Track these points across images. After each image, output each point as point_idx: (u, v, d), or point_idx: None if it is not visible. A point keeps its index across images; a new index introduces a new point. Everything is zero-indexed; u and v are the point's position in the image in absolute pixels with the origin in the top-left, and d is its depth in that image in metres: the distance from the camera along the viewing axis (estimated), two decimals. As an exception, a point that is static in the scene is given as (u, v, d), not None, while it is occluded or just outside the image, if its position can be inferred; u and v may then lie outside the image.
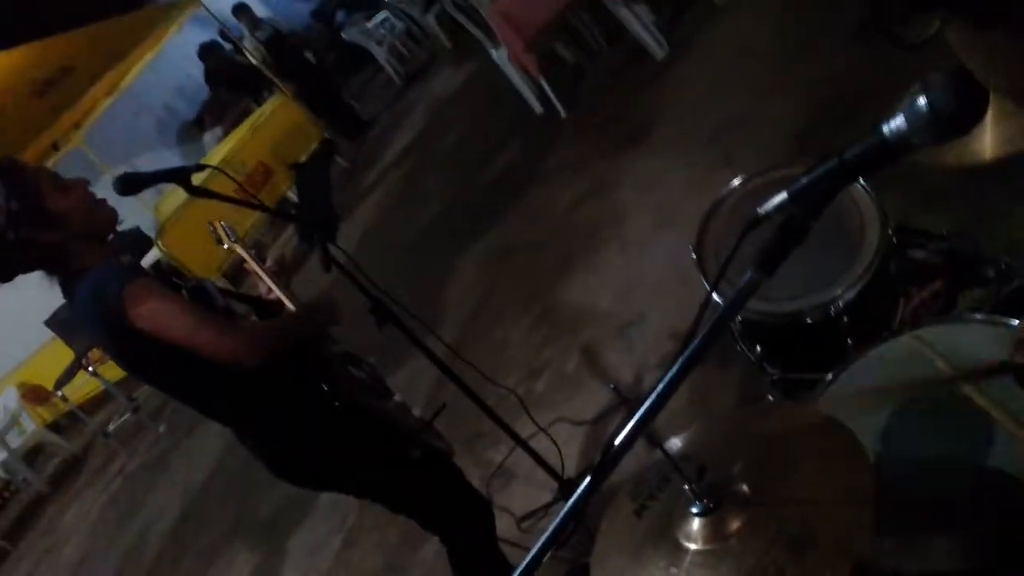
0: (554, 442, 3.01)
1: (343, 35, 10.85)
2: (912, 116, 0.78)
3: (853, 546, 1.07)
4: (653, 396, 0.94)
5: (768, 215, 0.92)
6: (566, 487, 2.85)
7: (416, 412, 2.42)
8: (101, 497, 6.72)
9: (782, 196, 0.90)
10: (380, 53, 10.45)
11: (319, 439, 2.17)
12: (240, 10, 9.19)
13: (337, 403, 2.14)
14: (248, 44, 9.01)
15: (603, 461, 0.94)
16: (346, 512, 3.83)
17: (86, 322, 1.98)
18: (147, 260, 8.52)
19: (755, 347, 1.66)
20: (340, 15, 12.21)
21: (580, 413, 3.22)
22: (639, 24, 5.11)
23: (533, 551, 0.98)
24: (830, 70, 3.61)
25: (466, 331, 4.24)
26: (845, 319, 1.51)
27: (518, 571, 0.98)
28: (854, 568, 1.05)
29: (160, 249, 8.18)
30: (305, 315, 2.30)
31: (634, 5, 5.08)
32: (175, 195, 9.28)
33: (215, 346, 1.87)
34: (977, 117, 0.76)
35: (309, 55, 9.47)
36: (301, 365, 2.14)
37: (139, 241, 9.24)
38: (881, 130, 0.81)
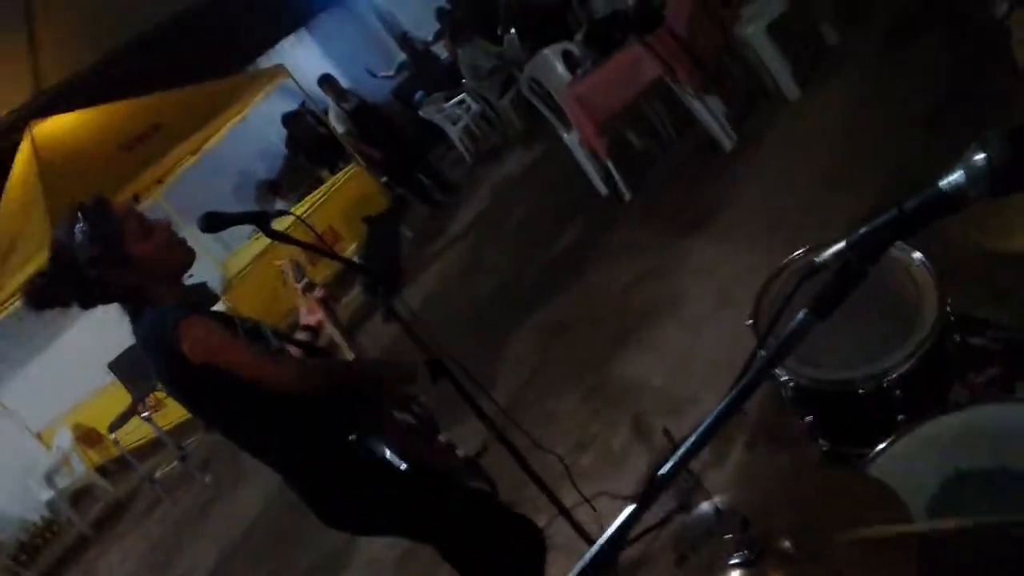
0: (594, 510, 2.99)
1: (420, 113, 11.23)
2: (970, 170, 0.81)
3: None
4: (701, 429, 0.96)
5: (825, 263, 0.95)
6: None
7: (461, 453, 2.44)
8: (141, 543, 6.78)
9: (840, 245, 0.94)
10: (454, 132, 10.78)
11: (357, 485, 2.22)
12: (325, 81, 9.44)
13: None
14: (332, 115, 9.25)
15: (649, 486, 0.96)
16: (381, 573, 3.82)
17: (148, 355, 2.09)
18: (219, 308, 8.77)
19: (806, 416, 1.66)
20: (418, 94, 12.65)
21: (624, 489, 3.19)
22: (709, 116, 5.22)
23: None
24: (897, 162, 3.63)
25: (517, 400, 4.25)
26: (897, 392, 1.51)
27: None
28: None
29: (225, 304, 8.41)
30: (366, 366, 2.38)
31: (706, 97, 5.20)
32: (244, 253, 9.62)
33: (262, 372, 1.98)
34: (1032, 175, 0.79)
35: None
36: (345, 410, 2.20)
37: (204, 295, 9.54)
38: (939, 184, 0.85)
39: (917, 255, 1.63)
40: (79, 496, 8.46)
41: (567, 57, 6.16)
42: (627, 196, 5.63)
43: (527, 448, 2.86)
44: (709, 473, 2.87)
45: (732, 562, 1.19)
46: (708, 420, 0.96)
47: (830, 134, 4.42)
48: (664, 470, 0.97)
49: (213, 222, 2.35)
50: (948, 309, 1.57)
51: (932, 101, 3.77)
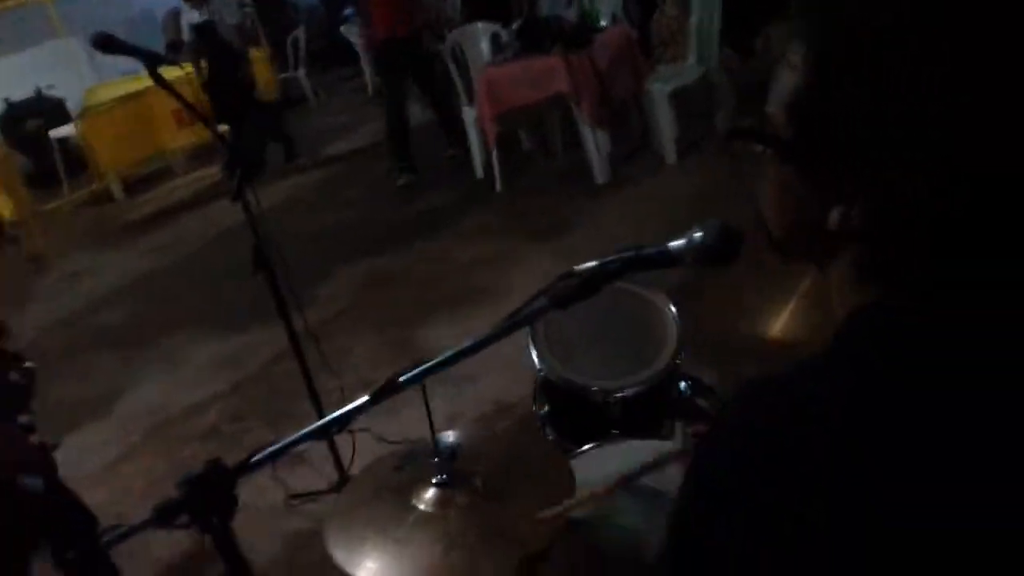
0: (354, 445, 3.23)
1: (341, 29, 11.13)
2: (688, 241, 1.10)
3: (522, 558, 1.36)
4: (447, 355, 1.21)
5: (578, 272, 1.22)
6: (345, 483, 3.06)
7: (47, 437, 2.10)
8: None
9: (593, 263, 1.21)
10: (367, 60, 10.74)
11: None
12: None
13: None
14: (184, 16, 7.76)
15: (385, 386, 1.20)
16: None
17: None
18: (60, 133, 8.40)
19: (544, 406, 1.96)
20: (348, 10, 12.50)
21: (386, 434, 3.43)
22: (595, 147, 5.57)
23: (299, 433, 1.23)
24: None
25: (322, 323, 4.41)
26: (617, 410, 1.83)
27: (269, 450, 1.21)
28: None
29: (76, 129, 8.10)
30: None
31: (598, 131, 5.55)
32: (113, 88, 9.23)
33: None
34: (728, 259, 1.09)
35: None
36: None
37: (56, 112, 9.11)
38: (668, 244, 1.13)
39: (673, 311, 1.96)
40: None
41: (494, 39, 6.37)
42: (498, 186, 5.91)
43: (314, 369, 3.09)
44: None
45: (432, 479, 1.46)
46: (452, 352, 1.21)
47: (686, 203, 4.86)
48: (403, 377, 1.21)
49: (108, 43, 2.43)
50: (678, 362, 1.91)
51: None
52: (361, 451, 3.29)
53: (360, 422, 3.37)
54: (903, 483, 0.63)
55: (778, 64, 0.77)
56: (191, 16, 7.61)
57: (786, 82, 0.76)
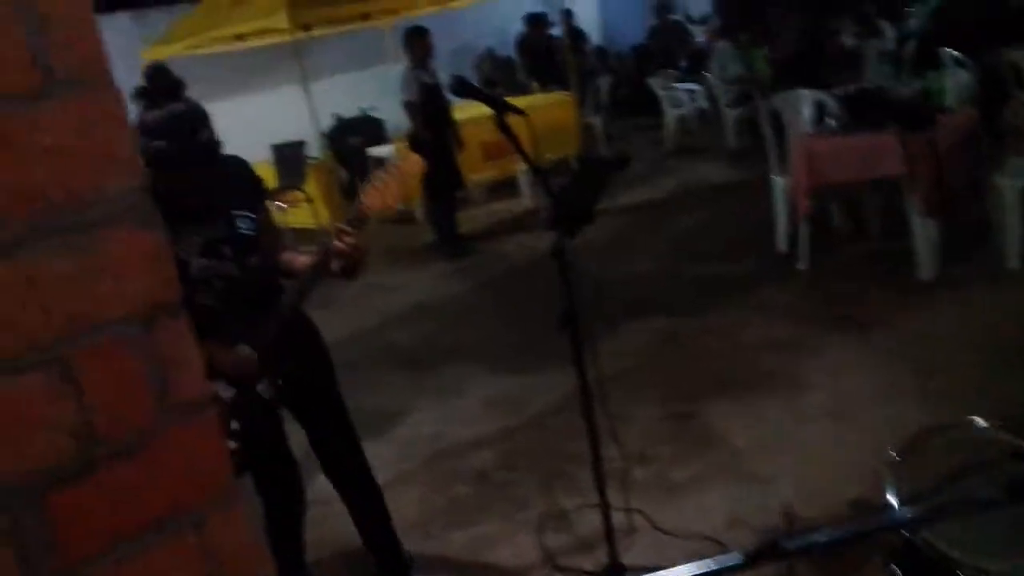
0: (630, 522, 3.05)
1: (648, 79, 11.13)
2: None
3: None
4: (832, 537, 0.99)
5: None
6: (614, 570, 2.85)
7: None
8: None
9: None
10: (670, 114, 10.66)
11: None
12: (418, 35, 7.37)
13: None
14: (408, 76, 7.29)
15: (765, 549, 1.00)
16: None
17: None
18: (377, 152, 9.04)
19: (896, 569, 1.64)
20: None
21: (660, 519, 3.20)
22: (922, 236, 5.02)
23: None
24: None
25: (604, 382, 4.28)
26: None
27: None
28: None
29: (393, 150, 8.63)
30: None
31: (927, 218, 5.00)
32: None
33: None
34: None
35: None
36: None
37: (376, 131, 9.81)
38: None
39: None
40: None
41: (818, 107, 5.99)
42: (802, 264, 5.51)
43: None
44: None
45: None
46: (846, 532, 0.98)
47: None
48: (788, 544, 1.00)
49: (463, 88, 2.50)
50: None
51: None
52: (637, 532, 3.11)
53: (632, 499, 3.22)
54: None
55: None
56: (425, 77, 7.21)
57: None
